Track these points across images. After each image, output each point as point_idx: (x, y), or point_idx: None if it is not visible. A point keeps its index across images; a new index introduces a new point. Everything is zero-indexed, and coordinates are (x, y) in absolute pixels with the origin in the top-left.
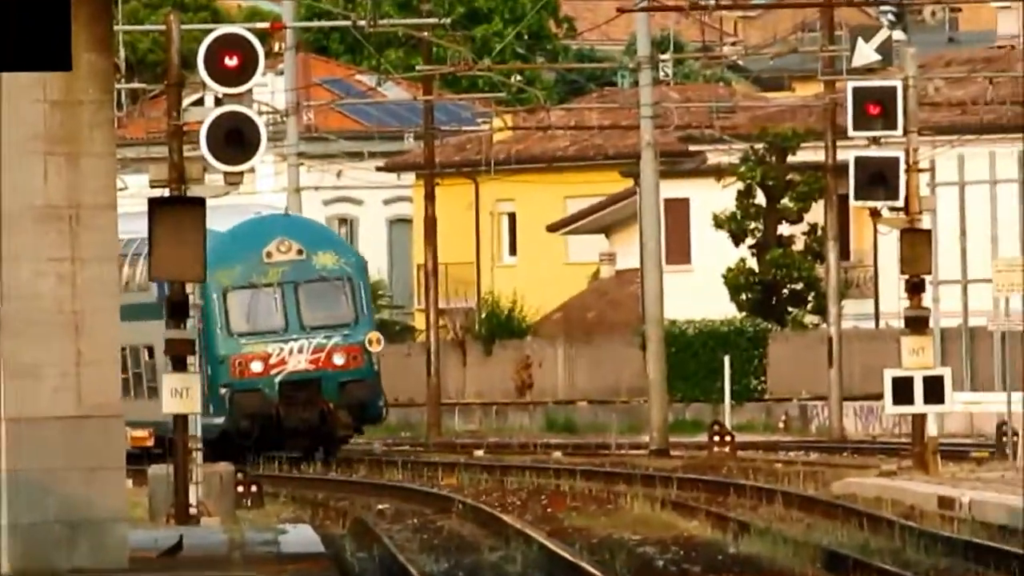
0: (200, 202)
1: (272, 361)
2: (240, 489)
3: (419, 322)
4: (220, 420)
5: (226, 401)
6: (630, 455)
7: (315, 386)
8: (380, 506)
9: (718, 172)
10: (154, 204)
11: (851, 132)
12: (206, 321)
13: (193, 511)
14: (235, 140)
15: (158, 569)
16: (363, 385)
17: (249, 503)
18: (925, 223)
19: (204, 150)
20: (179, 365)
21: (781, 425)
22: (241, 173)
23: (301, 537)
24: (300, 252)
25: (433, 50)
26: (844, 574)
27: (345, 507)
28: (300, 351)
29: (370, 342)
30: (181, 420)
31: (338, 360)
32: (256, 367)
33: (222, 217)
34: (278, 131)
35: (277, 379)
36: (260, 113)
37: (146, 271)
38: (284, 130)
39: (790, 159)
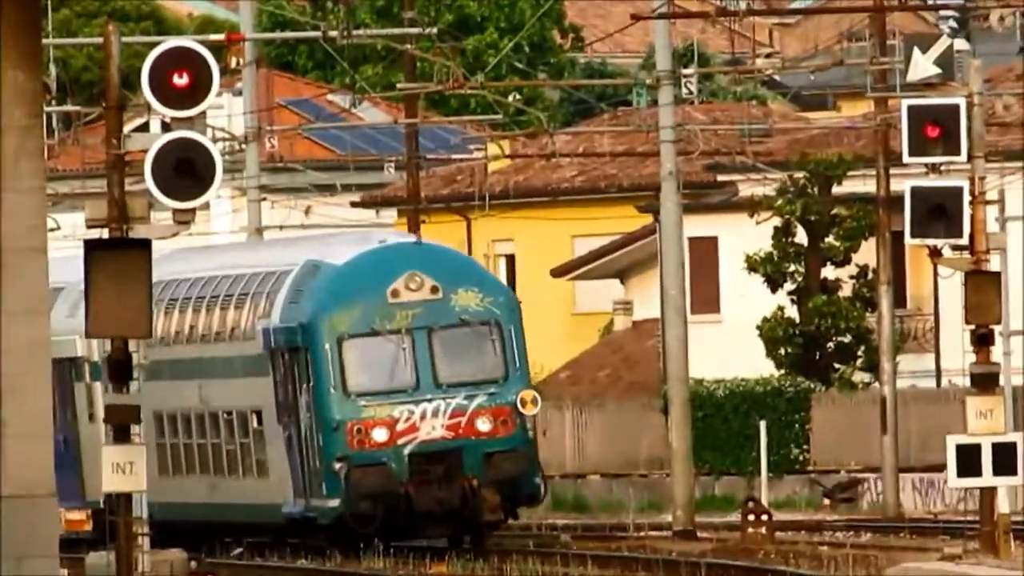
0: (145, 244)
1: (400, 428)
2: None
3: None
4: (335, 503)
5: (342, 478)
6: (650, 537)
7: (454, 459)
8: None
9: (751, 206)
10: (91, 247)
11: (906, 158)
12: (316, 378)
13: None
14: (186, 172)
15: None
16: (515, 457)
17: None
18: (993, 264)
19: (150, 184)
20: (122, 435)
21: (827, 501)
22: (193, 210)
23: None
24: (435, 290)
25: (417, 65)
26: None
27: None
28: (435, 415)
29: (523, 403)
30: (124, 500)
31: (483, 426)
32: (379, 435)
33: (338, 247)
34: (236, 161)
35: (406, 450)
36: (215, 140)
37: (253, 317)
38: (243, 160)
39: (835, 190)
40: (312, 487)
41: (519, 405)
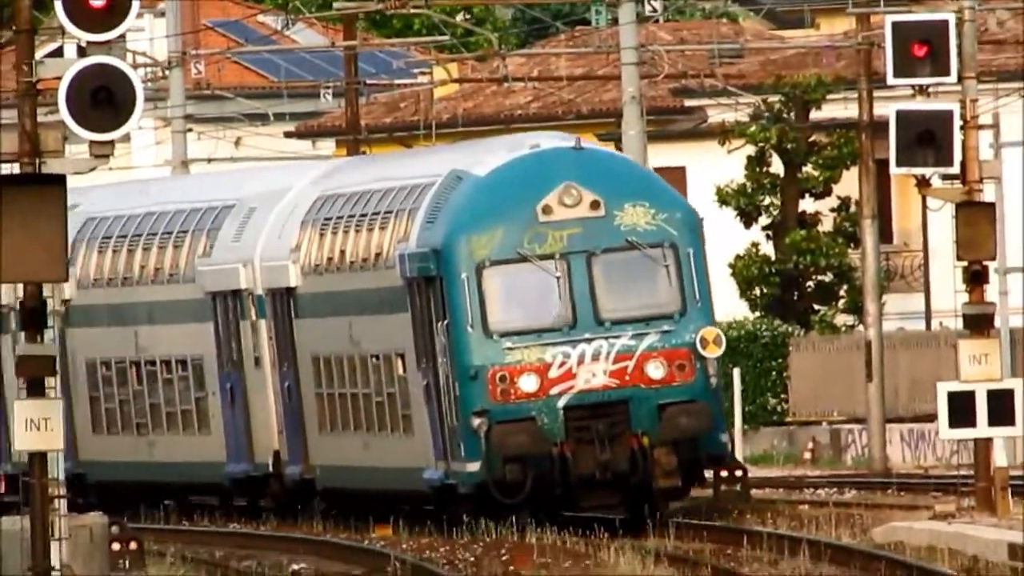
0: (59, 180)
1: (553, 375)
2: (116, 547)
3: None
4: (475, 466)
5: (481, 437)
6: None
7: (620, 412)
8: (295, 566)
9: (722, 133)
10: (1, 183)
11: (891, 80)
12: (452, 314)
13: None
14: (104, 101)
15: None
16: (694, 409)
17: (127, 564)
18: (988, 194)
19: (64, 114)
20: (36, 389)
21: (807, 455)
22: (112, 143)
23: None
24: (596, 205)
25: None
26: None
27: (250, 569)
28: (596, 359)
29: (703, 343)
30: (39, 460)
31: (655, 372)
32: (528, 384)
33: (484, 154)
34: (159, 88)
35: (560, 402)
36: (136, 66)
37: (394, 241)
38: (166, 87)
39: (813, 115)
40: (451, 448)
41: (699, 346)
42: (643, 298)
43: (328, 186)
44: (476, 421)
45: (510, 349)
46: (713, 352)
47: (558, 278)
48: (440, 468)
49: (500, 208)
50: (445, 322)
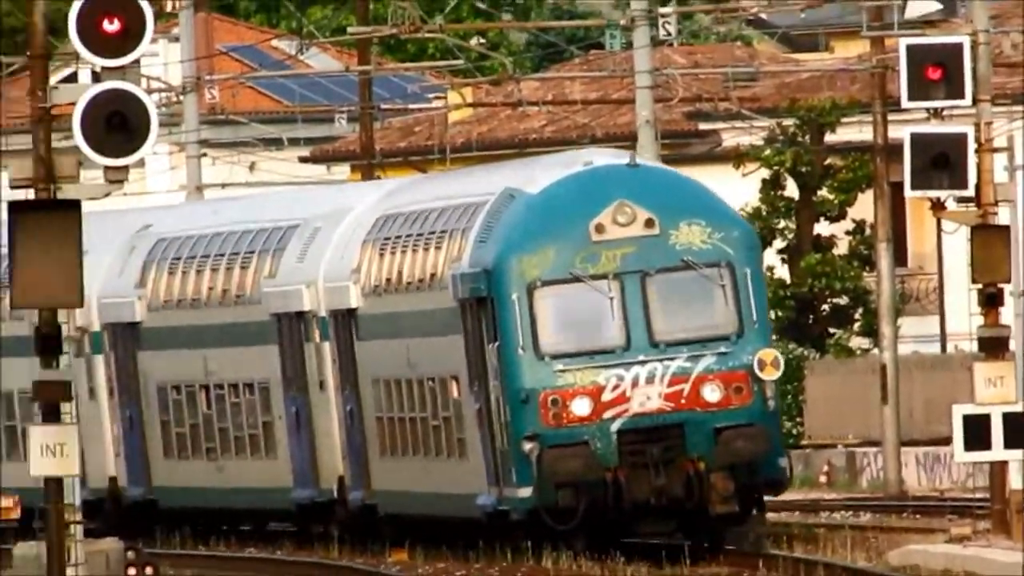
0: (74, 206)
1: (606, 398)
2: (132, 572)
3: None
4: (526, 491)
5: (533, 462)
6: None
7: (675, 436)
8: None
9: (736, 157)
10: (16, 210)
11: (905, 103)
12: (503, 336)
13: None
14: (118, 126)
15: None
16: (752, 433)
17: None
18: (1002, 217)
19: (79, 140)
20: (51, 415)
21: (823, 478)
22: (127, 168)
23: None
24: (650, 224)
25: (370, 7)
26: None
27: None
28: (651, 381)
29: (761, 365)
30: (55, 485)
31: (711, 394)
32: (580, 408)
33: (538, 172)
34: (173, 114)
35: (614, 426)
36: (150, 91)
37: (447, 261)
38: (181, 112)
39: (828, 139)
40: (503, 473)
41: (756, 368)
42: (699, 319)
43: (389, 205)
44: (528, 446)
45: (562, 372)
46: (771, 374)
47: (611, 299)
48: (493, 494)
49: (552, 227)
50: (496, 344)
